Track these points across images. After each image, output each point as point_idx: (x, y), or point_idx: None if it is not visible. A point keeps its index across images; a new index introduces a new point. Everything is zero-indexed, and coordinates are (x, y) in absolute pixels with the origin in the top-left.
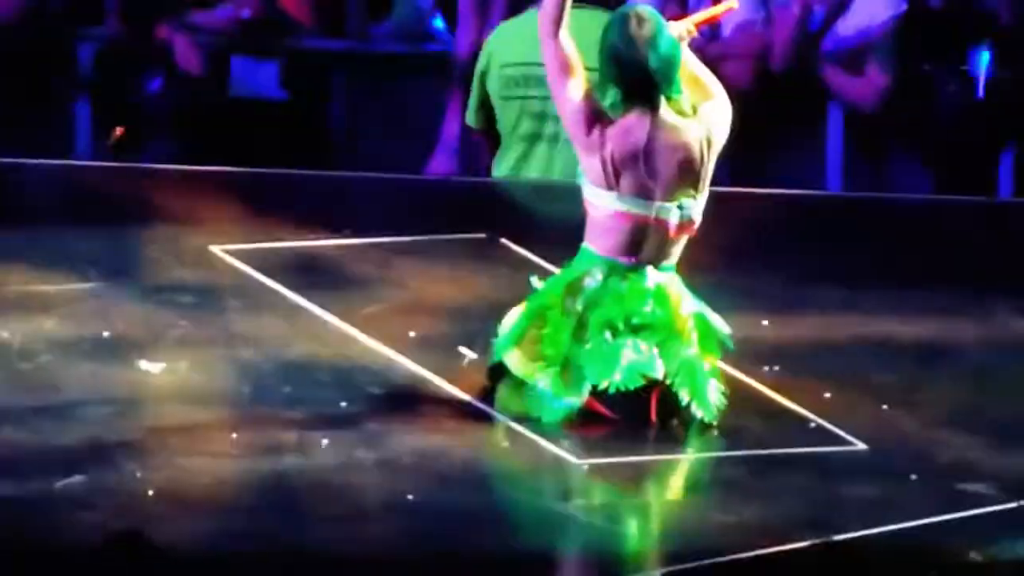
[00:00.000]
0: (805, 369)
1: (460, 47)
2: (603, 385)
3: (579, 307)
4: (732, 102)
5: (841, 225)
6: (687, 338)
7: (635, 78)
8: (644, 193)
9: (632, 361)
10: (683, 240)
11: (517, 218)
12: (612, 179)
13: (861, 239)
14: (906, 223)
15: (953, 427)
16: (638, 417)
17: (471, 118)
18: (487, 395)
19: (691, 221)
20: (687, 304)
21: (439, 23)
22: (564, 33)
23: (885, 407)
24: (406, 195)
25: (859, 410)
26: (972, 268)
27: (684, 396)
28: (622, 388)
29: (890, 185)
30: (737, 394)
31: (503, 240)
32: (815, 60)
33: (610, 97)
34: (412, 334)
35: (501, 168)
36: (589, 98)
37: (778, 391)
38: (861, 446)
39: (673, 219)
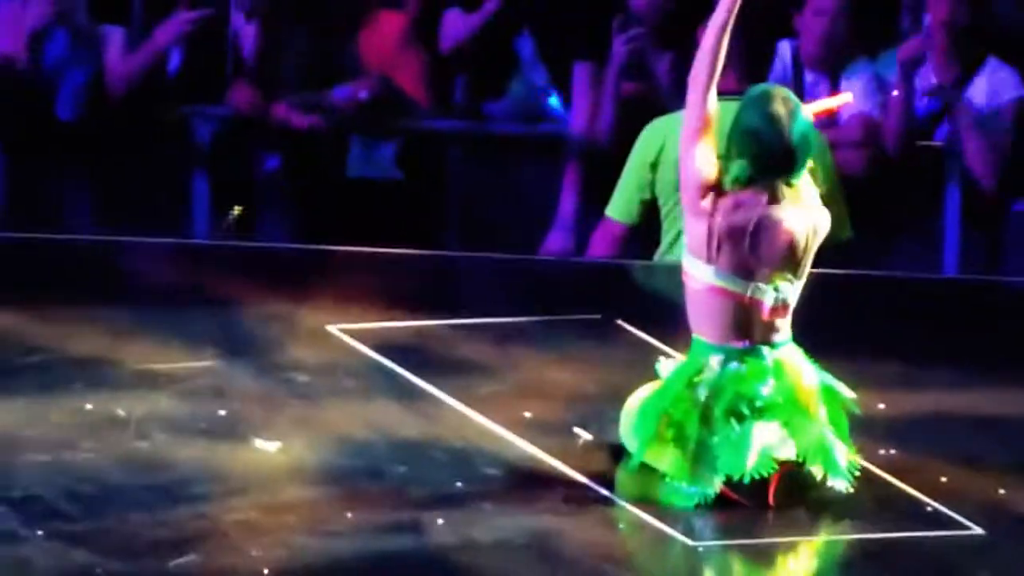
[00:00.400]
0: (920, 451)
1: (575, 123)
2: (736, 477)
3: (702, 398)
4: (848, 188)
5: (956, 308)
6: (814, 410)
7: (773, 154)
8: (743, 271)
9: (763, 447)
10: (787, 318)
11: (632, 299)
12: (714, 251)
13: (976, 322)
14: (1021, 306)
15: None
16: (757, 499)
17: (619, 212)
18: (603, 477)
19: (785, 305)
20: (808, 376)
21: (554, 101)
22: (712, 95)
23: (1002, 491)
24: (521, 275)
25: (975, 493)
26: None
27: (817, 473)
28: (755, 476)
29: (1006, 269)
30: (854, 477)
31: (618, 321)
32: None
33: (735, 171)
34: (527, 415)
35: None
36: (714, 165)
37: (894, 474)
38: (978, 530)
39: (768, 300)
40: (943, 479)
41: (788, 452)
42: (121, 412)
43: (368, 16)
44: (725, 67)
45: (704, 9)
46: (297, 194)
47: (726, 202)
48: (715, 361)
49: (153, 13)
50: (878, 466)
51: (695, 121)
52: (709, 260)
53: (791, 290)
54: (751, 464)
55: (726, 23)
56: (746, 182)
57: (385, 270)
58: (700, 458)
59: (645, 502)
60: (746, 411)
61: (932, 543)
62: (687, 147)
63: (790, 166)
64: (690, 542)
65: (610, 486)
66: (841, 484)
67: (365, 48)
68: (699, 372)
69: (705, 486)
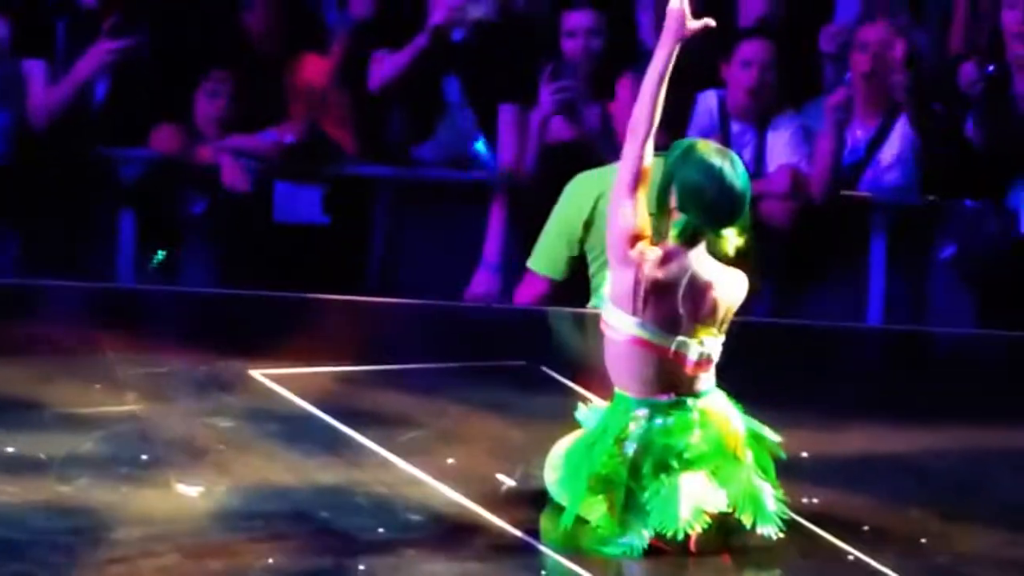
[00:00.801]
0: (843, 499)
1: (500, 163)
2: (669, 533)
3: (630, 453)
4: (772, 239)
5: (881, 356)
6: (741, 456)
7: (721, 206)
8: (668, 325)
9: (694, 503)
10: (711, 370)
11: (556, 346)
12: (640, 303)
13: (901, 371)
14: (947, 356)
15: (990, 562)
16: (680, 546)
17: (545, 267)
18: (528, 524)
19: (709, 359)
20: (734, 421)
21: (481, 146)
22: (649, 146)
23: (923, 540)
24: (446, 322)
25: (897, 542)
26: (1013, 402)
27: (747, 520)
28: (689, 531)
29: (932, 318)
30: (782, 521)
31: (543, 368)
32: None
33: (680, 225)
34: (451, 461)
35: None
36: (645, 217)
37: (816, 522)
38: None
39: (692, 355)
40: (865, 528)
41: (719, 502)
42: (43, 455)
43: (293, 60)
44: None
45: (629, 60)
46: (222, 238)
47: (655, 255)
48: (641, 416)
49: (77, 45)
50: (801, 514)
51: (632, 172)
52: (634, 312)
53: (714, 344)
54: (683, 520)
55: (665, 72)
56: (690, 237)
57: (310, 315)
58: (631, 513)
59: (570, 550)
60: (674, 464)
61: None
62: (620, 197)
63: (736, 215)
64: None
65: (535, 533)
66: (771, 530)
67: (291, 92)
68: (625, 427)
69: (635, 538)
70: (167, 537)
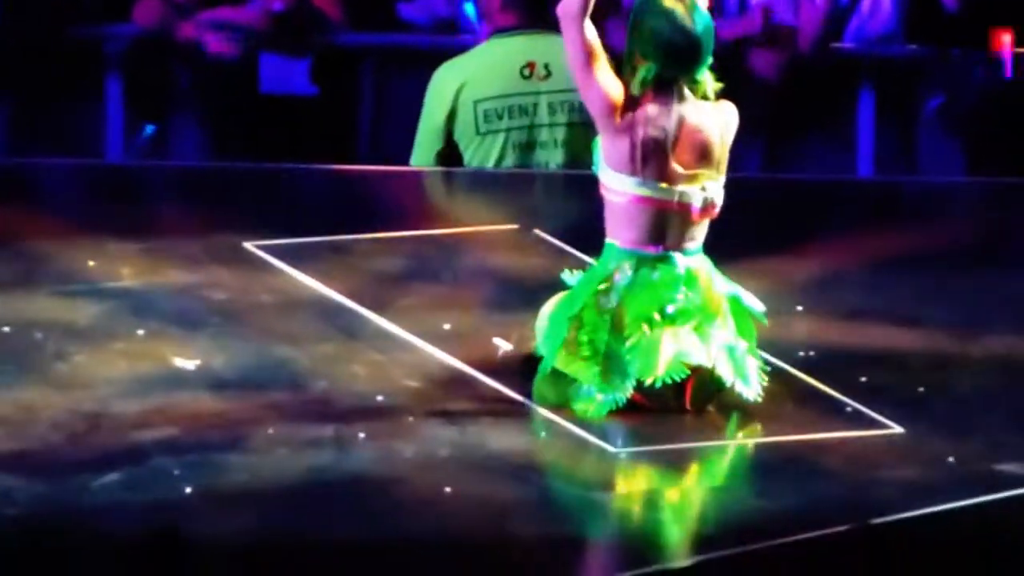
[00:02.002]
0: (839, 352)
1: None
2: (648, 380)
3: (613, 304)
4: (760, 92)
5: (872, 209)
6: (723, 319)
7: (678, 49)
8: (667, 177)
9: (675, 352)
10: (706, 223)
11: (550, 208)
12: (638, 164)
13: (893, 223)
14: (938, 205)
15: (989, 409)
16: (674, 405)
17: (424, 161)
18: (523, 387)
19: (713, 204)
20: (719, 285)
21: (470, 8)
22: (588, 22)
23: (921, 389)
24: (437, 188)
25: (895, 392)
26: (1005, 249)
27: (727, 377)
28: (668, 381)
29: (922, 168)
30: (772, 380)
31: (536, 231)
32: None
33: (642, 73)
34: (447, 326)
35: None
36: (618, 83)
37: (813, 375)
38: (898, 429)
39: (696, 202)
40: (862, 379)
41: (700, 357)
42: (39, 335)
43: None
44: (505, 4)
45: None
46: (210, 111)
47: (641, 114)
48: (626, 267)
49: None
50: (797, 367)
51: (581, 52)
52: (633, 173)
53: (717, 188)
54: (663, 369)
55: None
56: (654, 83)
57: (300, 186)
58: (611, 364)
59: (565, 410)
60: (657, 317)
61: (853, 443)
62: (584, 78)
63: (696, 59)
64: (610, 449)
65: (530, 395)
66: (749, 393)
67: None
68: (609, 278)
69: (617, 391)
70: (165, 411)
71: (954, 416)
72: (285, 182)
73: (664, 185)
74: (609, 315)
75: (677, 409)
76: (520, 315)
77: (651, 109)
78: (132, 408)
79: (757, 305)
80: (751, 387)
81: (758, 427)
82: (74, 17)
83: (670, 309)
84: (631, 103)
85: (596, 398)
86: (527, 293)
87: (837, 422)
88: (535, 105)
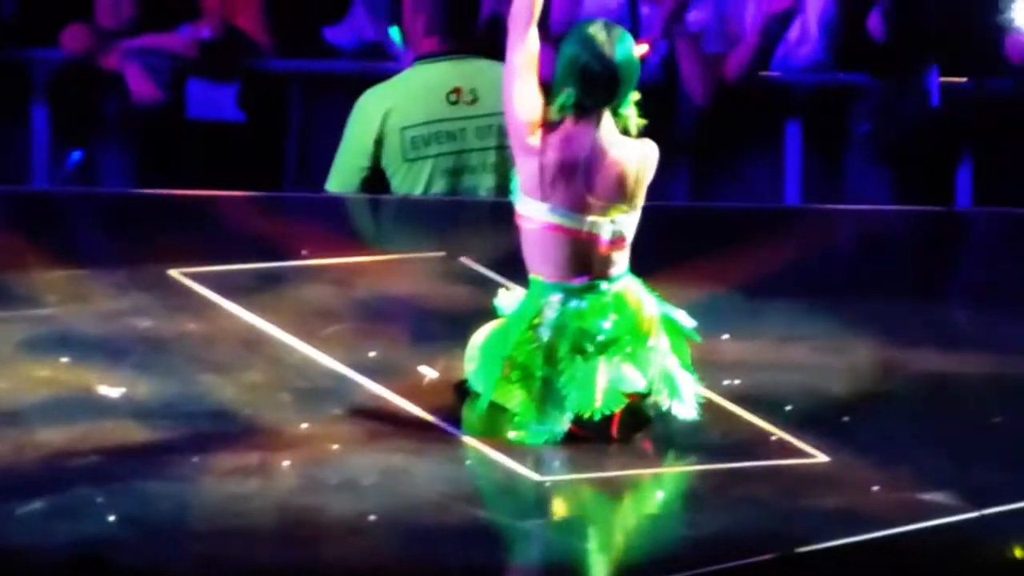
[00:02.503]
0: (765, 381)
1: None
2: (587, 414)
3: (545, 339)
4: (691, 118)
5: (800, 237)
6: (656, 339)
7: (597, 79)
8: (578, 206)
9: (611, 382)
10: (625, 251)
11: (477, 236)
12: (547, 188)
13: (820, 250)
14: (865, 233)
15: (913, 438)
16: (602, 433)
17: (340, 186)
18: (450, 415)
19: (622, 237)
20: (649, 306)
21: (395, 33)
22: (534, 32)
23: (846, 418)
24: (364, 215)
25: (820, 421)
26: (930, 277)
27: (663, 402)
28: (607, 412)
29: (849, 196)
30: (699, 408)
31: (463, 259)
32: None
33: (561, 99)
34: (372, 354)
35: None
36: (539, 101)
37: (739, 404)
38: (822, 458)
39: (605, 235)
40: (787, 408)
41: (635, 384)
42: None
43: None
44: (429, 30)
45: None
46: (137, 137)
47: (555, 137)
48: (555, 300)
49: None
50: (723, 396)
51: (518, 59)
52: (544, 198)
53: (627, 222)
54: (600, 400)
55: None
56: (572, 110)
57: (226, 213)
58: (547, 398)
59: (492, 439)
60: (590, 348)
61: (778, 472)
62: (511, 85)
63: (614, 91)
64: (537, 477)
65: (457, 423)
66: (687, 412)
67: None
68: (539, 313)
69: (554, 425)
70: (89, 438)
71: (879, 445)
72: (211, 209)
73: (575, 214)
74: (542, 350)
75: (604, 437)
76: (446, 343)
77: (568, 133)
78: (56, 436)
79: (688, 323)
80: (688, 406)
81: (685, 455)
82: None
83: (602, 338)
84: (549, 127)
85: (530, 429)
86: (453, 321)
87: (763, 451)
88: (463, 130)
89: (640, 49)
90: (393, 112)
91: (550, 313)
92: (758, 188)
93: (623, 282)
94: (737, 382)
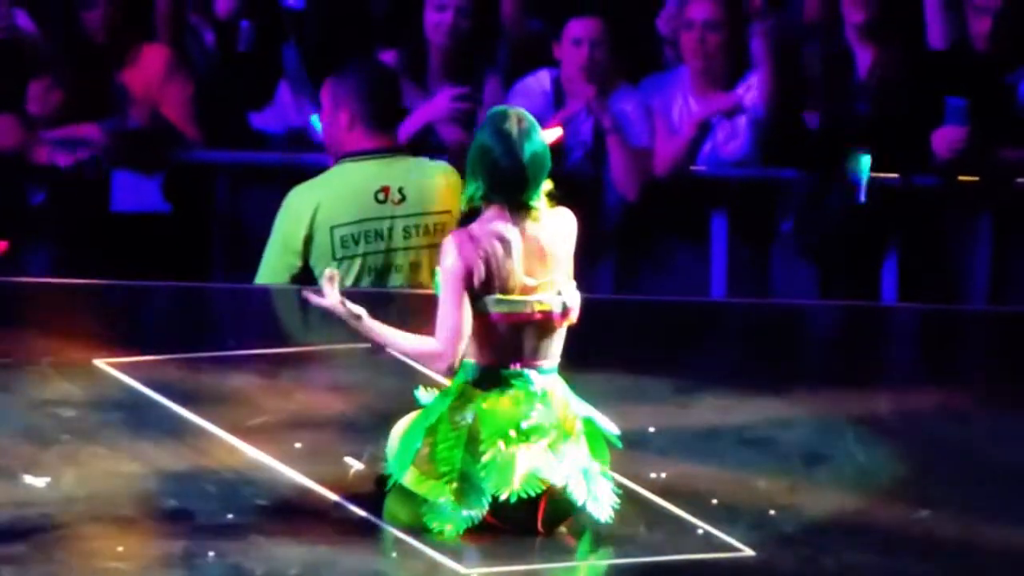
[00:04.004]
0: (691, 473)
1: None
2: (503, 496)
3: (468, 420)
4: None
5: (725, 330)
6: (576, 439)
7: (504, 172)
8: (520, 289)
9: (529, 468)
10: (562, 335)
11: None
12: (484, 283)
13: (745, 343)
14: (790, 327)
15: (839, 531)
16: (527, 525)
17: (272, 279)
18: (375, 506)
19: (571, 307)
20: (574, 406)
21: (316, 121)
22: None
23: (772, 511)
24: (290, 305)
25: (746, 514)
26: (853, 370)
27: (579, 497)
28: (523, 495)
29: (774, 290)
30: (625, 501)
31: (389, 350)
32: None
33: (470, 190)
34: (298, 445)
35: None
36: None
37: (664, 496)
38: (748, 552)
39: (556, 308)
40: (714, 500)
41: (554, 475)
42: None
43: (131, 51)
44: (353, 126)
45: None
46: (62, 228)
47: (477, 233)
48: (483, 384)
49: None
50: (648, 488)
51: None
52: (488, 291)
53: (571, 291)
54: (518, 484)
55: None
56: (482, 202)
57: (151, 303)
58: (466, 481)
59: (416, 530)
60: (512, 435)
61: (704, 565)
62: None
63: (522, 185)
64: (461, 569)
65: (381, 514)
66: (601, 514)
67: (131, 83)
68: (464, 394)
69: (472, 508)
70: (14, 528)
71: (806, 538)
72: (136, 299)
73: (518, 297)
74: (464, 431)
75: (530, 530)
76: (371, 434)
77: (487, 227)
78: None
79: (611, 428)
80: (603, 508)
81: (610, 548)
82: None
83: (525, 425)
84: (464, 221)
85: (451, 516)
86: (378, 412)
87: (689, 544)
88: (390, 230)
89: (552, 134)
90: (321, 210)
91: (475, 397)
92: (685, 280)
93: (551, 377)
94: (663, 475)
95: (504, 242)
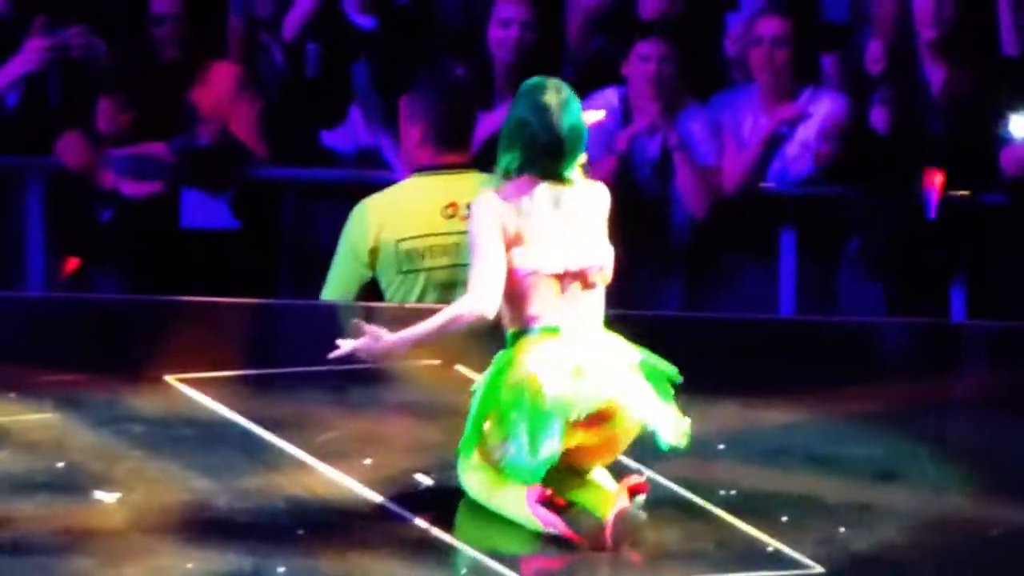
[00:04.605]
0: (760, 491)
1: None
2: (573, 417)
3: (520, 375)
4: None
5: (793, 347)
6: (636, 381)
7: (541, 143)
8: (555, 251)
9: (589, 391)
10: (599, 296)
11: (471, 345)
12: (519, 242)
13: (813, 361)
14: (858, 344)
15: (909, 548)
16: (595, 541)
17: (339, 293)
18: (446, 523)
19: (603, 265)
20: (628, 353)
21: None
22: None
23: (842, 529)
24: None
25: (815, 532)
26: (926, 390)
27: (650, 420)
28: (591, 411)
29: (842, 308)
30: (694, 518)
31: (458, 367)
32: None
33: (505, 161)
34: (368, 462)
35: None
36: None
37: (734, 514)
38: (818, 569)
39: (589, 265)
40: (783, 518)
41: (612, 389)
42: None
43: (201, 69)
44: (424, 142)
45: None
46: (131, 246)
47: (511, 194)
48: (528, 342)
49: None
50: (718, 505)
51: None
52: (526, 256)
53: (604, 254)
54: (582, 405)
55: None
56: (517, 173)
57: (222, 319)
58: (535, 426)
59: (488, 547)
60: (566, 369)
61: None
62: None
63: (559, 157)
64: None
65: (453, 531)
66: (671, 437)
67: (200, 101)
68: (510, 359)
69: (546, 448)
70: (85, 544)
71: (875, 556)
72: (207, 315)
73: (549, 255)
74: (519, 386)
75: (599, 546)
76: (441, 451)
77: (521, 188)
78: (53, 542)
79: (668, 367)
80: (670, 431)
81: (679, 566)
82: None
83: (574, 363)
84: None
85: (529, 463)
86: (448, 429)
87: (758, 562)
88: (457, 245)
89: (594, 116)
90: (388, 224)
91: (525, 354)
92: (753, 298)
93: (599, 332)
94: (732, 492)
95: (536, 202)
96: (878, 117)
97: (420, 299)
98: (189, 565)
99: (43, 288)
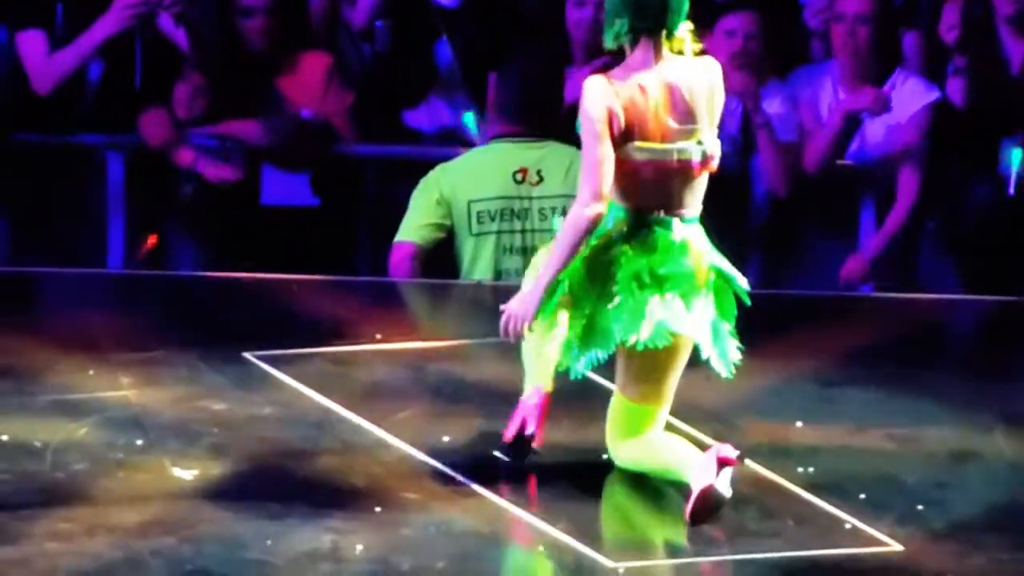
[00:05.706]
0: (839, 469)
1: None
2: (631, 341)
3: (605, 260)
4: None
5: (871, 325)
6: (708, 293)
7: (649, 3)
8: (661, 136)
9: (660, 318)
10: (703, 185)
11: None
12: (629, 130)
13: (891, 338)
14: (936, 321)
15: (987, 527)
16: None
17: (411, 235)
18: (523, 500)
19: (711, 156)
20: (708, 258)
21: (469, 118)
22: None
23: (920, 507)
24: (437, 299)
25: (894, 510)
26: (1002, 366)
27: (705, 349)
28: (650, 345)
29: (921, 284)
30: (772, 495)
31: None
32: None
33: (616, 28)
34: (446, 439)
35: None
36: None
37: (812, 491)
38: (897, 547)
39: (695, 156)
40: (862, 496)
41: (684, 327)
42: (38, 443)
43: (289, 60)
44: (511, 118)
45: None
46: (211, 222)
47: (623, 84)
48: (624, 225)
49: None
50: (796, 483)
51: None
52: (628, 140)
53: (712, 140)
54: (646, 334)
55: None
56: (627, 38)
57: (301, 296)
58: (593, 323)
59: (568, 524)
60: (647, 280)
61: (852, 560)
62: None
63: (666, 13)
64: (610, 563)
65: (531, 509)
66: (723, 370)
67: (288, 91)
68: (606, 236)
69: (601, 348)
70: (163, 521)
71: (954, 534)
72: (285, 292)
73: (660, 145)
74: (600, 270)
75: (679, 523)
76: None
77: (631, 74)
78: (130, 519)
79: (742, 282)
80: (726, 364)
81: (758, 543)
82: (80, 124)
83: (662, 271)
84: (608, 67)
85: (577, 355)
86: None
87: (836, 539)
88: (527, 210)
89: None
90: (461, 184)
91: (617, 235)
92: (831, 275)
93: (692, 228)
94: (811, 469)
95: (645, 88)
96: (954, 88)
97: (495, 263)
98: (268, 542)
99: (123, 265)
